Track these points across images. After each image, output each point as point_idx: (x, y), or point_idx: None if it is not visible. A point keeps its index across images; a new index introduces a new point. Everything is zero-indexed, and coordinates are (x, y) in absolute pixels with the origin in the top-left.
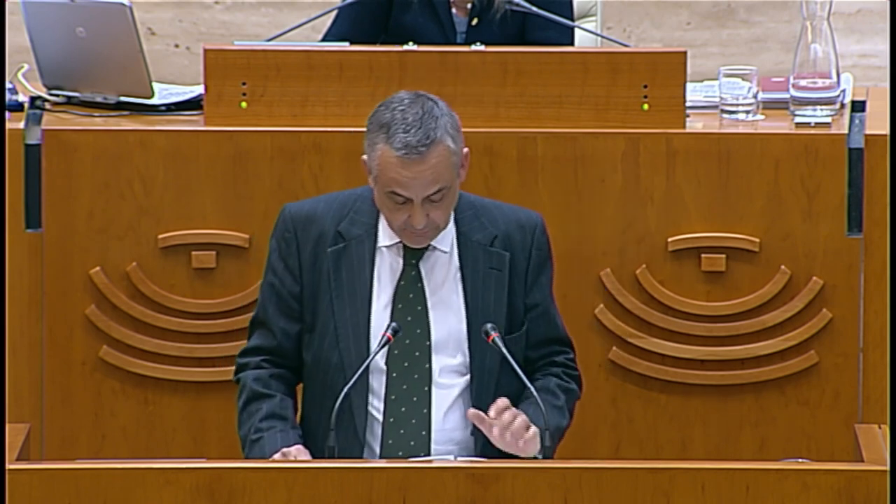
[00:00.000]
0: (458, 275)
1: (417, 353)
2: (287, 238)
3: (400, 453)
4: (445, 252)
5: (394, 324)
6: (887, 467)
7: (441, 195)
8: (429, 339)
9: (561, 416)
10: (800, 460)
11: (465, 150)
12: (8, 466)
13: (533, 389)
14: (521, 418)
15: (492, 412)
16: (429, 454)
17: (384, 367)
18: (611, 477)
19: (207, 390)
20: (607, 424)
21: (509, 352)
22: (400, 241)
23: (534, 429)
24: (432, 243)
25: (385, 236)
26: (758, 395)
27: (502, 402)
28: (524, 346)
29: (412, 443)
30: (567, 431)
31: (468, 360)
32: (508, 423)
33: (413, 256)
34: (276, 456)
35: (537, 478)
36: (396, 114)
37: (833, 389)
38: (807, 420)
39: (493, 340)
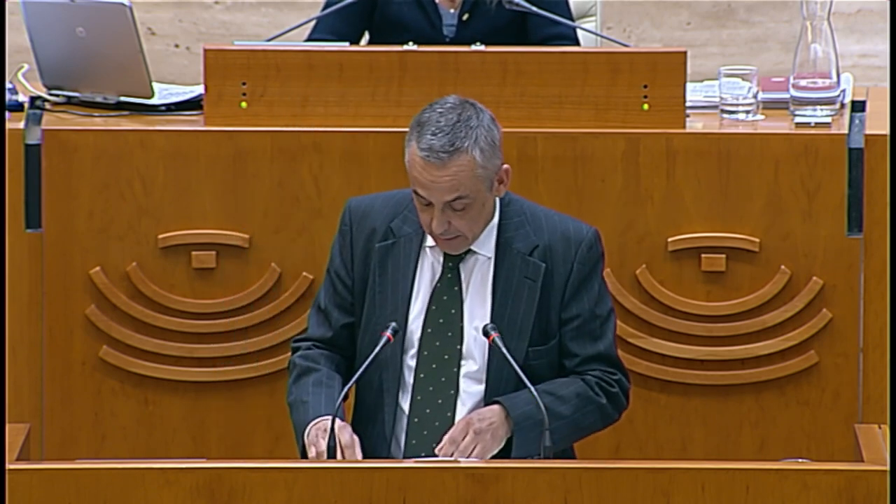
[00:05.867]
0: (492, 282)
1: (447, 357)
2: (344, 231)
3: (423, 454)
4: (488, 257)
5: (393, 324)
6: (887, 467)
7: (462, 204)
8: (460, 343)
9: (548, 404)
10: (800, 460)
11: (505, 166)
12: (8, 466)
13: (533, 390)
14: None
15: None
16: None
17: (413, 366)
18: (611, 477)
19: (207, 390)
20: None
21: (533, 364)
22: None
23: (471, 432)
24: (472, 248)
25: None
26: (758, 395)
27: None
28: (558, 357)
29: (434, 446)
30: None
31: (486, 367)
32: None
33: (452, 259)
34: (312, 427)
35: (537, 478)
36: (434, 115)
37: (833, 389)
38: (807, 420)
39: (493, 340)
